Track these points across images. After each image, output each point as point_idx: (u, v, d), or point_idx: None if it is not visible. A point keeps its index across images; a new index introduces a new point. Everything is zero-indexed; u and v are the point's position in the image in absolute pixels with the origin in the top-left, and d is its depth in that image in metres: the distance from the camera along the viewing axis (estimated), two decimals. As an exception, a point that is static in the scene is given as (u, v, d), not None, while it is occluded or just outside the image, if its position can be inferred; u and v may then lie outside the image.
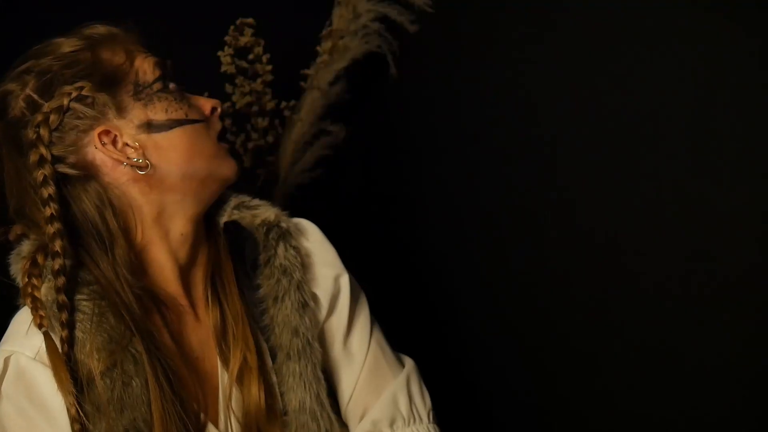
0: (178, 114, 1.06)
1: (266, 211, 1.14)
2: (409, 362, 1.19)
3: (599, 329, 1.43)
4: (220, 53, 1.66)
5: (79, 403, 0.95)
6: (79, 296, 1.00)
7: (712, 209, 1.25)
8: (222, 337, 1.09)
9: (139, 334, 0.99)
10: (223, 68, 1.67)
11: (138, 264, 1.05)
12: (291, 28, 1.71)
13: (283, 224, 1.13)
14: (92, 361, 0.97)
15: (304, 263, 1.12)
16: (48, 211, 1.00)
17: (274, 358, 1.11)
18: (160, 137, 1.05)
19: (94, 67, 1.03)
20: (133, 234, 1.06)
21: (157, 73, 1.07)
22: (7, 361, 0.98)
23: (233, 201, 1.15)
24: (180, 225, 1.08)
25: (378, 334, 1.18)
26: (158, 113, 1.05)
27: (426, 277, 1.75)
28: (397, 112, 1.76)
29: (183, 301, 1.09)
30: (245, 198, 1.16)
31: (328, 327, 1.14)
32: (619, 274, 1.38)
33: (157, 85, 1.06)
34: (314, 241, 1.16)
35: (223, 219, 1.14)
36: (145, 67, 1.07)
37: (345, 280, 1.15)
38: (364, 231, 1.80)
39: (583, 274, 1.44)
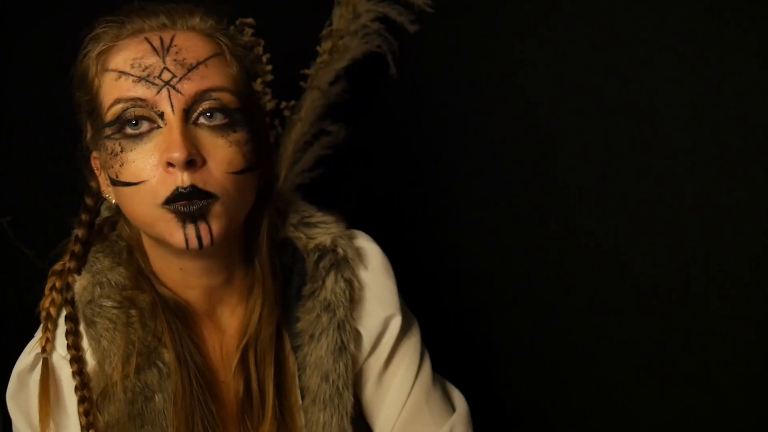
0: (111, 172, 0.92)
1: (325, 233, 1.03)
2: (460, 408, 1.08)
3: (599, 329, 1.43)
4: (220, 53, 1.66)
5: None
6: (109, 302, 0.96)
7: (712, 209, 1.25)
8: (246, 409, 1.00)
9: (171, 346, 0.95)
10: (223, 68, 1.66)
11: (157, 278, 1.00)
12: (291, 28, 1.71)
13: (340, 250, 1.01)
14: (116, 373, 0.93)
15: (354, 297, 1.01)
16: (83, 217, 1.02)
17: (305, 396, 1.02)
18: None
19: (82, 93, 0.96)
20: (148, 254, 1.00)
21: (111, 114, 0.90)
22: (38, 356, 0.97)
23: (294, 217, 1.04)
24: (178, 262, 0.97)
25: (425, 377, 1.06)
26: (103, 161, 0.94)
27: (425, 276, 1.74)
28: (397, 112, 1.76)
29: (207, 318, 1.02)
30: (310, 212, 1.05)
31: (367, 366, 1.04)
32: (619, 274, 1.39)
33: (107, 131, 0.91)
34: (373, 270, 1.05)
35: (279, 236, 1.03)
36: (105, 102, 0.91)
37: (396, 323, 1.04)
38: (364, 231, 1.80)
39: (582, 274, 1.44)
